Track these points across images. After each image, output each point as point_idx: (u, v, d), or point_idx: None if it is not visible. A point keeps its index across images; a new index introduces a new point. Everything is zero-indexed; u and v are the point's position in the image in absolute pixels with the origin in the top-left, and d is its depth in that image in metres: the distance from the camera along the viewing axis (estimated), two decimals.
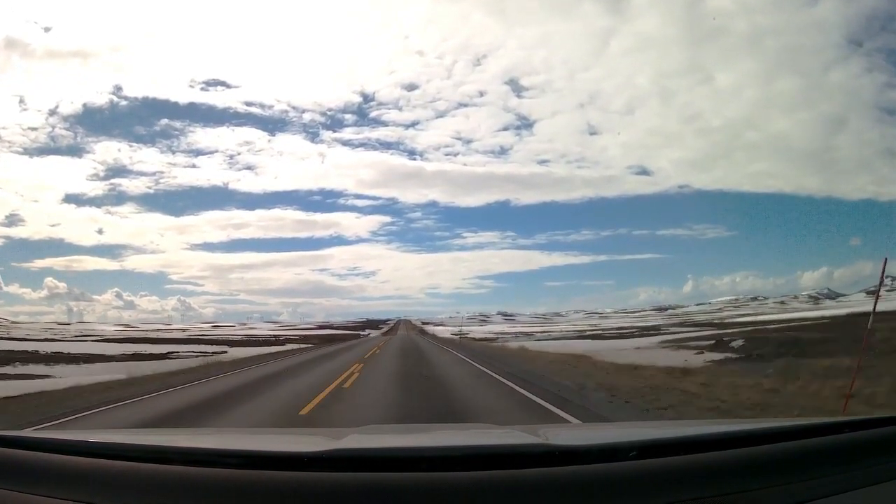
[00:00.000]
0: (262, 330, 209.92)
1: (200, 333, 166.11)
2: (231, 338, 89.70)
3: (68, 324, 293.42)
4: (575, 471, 1.23)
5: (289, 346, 40.47)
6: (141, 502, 1.19)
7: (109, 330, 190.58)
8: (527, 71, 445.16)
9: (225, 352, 43.56)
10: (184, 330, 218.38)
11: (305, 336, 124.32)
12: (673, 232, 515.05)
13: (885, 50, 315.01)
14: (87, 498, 1.19)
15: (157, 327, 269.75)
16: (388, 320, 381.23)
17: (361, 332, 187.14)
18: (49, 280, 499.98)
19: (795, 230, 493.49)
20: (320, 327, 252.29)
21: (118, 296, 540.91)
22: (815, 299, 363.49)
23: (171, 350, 45.25)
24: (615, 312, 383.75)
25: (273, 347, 45.67)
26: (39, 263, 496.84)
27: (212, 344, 57.12)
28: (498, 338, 74.29)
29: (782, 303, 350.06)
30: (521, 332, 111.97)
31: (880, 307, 7.06)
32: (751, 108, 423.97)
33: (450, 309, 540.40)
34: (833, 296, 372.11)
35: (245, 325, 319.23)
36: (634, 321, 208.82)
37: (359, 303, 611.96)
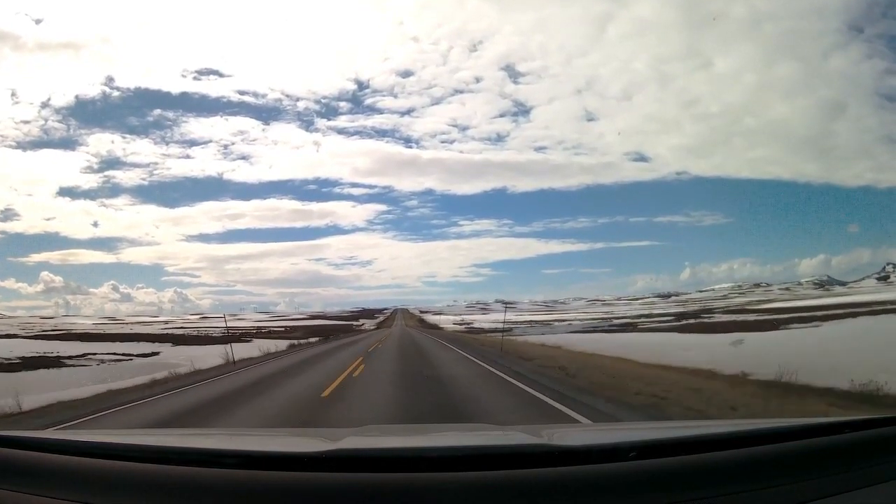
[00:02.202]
0: (249, 321, 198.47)
1: (181, 325, 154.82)
2: (189, 334, 78.14)
3: (51, 317, 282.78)
4: (575, 471, 1.22)
5: (241, 353, 28.38)
6: (141, 502, 1.17)
7: (87, 324, 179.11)
8: (523, 56, 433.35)
9: (157, 353, 32.38)
10: (167, 322, 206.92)
11: (292, 327, 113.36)
12: (670, 219, 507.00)
13: (886, 36, 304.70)
14: (87, 498, 1.18)
15: (143, 319, 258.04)
16: (385, 309, 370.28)
17: (354, 323, 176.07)
18: (45, 274, 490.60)
19: (794, 217, 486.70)
20: (312, 318, 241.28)
21: (114, 288, 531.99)
22: (821, 285, 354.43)
23: (88, 352, 33.81)
24: (617, 300, 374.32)
25: (220, 349, 34.04)
26: (35, 258, 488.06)
27: (159, 342, 45.74)
28: (513, 328, 63.14)
29: (788, 289, 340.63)
30: (533, 322, 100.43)
31: None
32: (750, 94, 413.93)
33: (447, 297, 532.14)
34: (834, 283, 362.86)
35: (235, 316, 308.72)
36: (640, 308, 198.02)
37: (356, 292, 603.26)
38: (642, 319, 78.48)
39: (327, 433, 1.90)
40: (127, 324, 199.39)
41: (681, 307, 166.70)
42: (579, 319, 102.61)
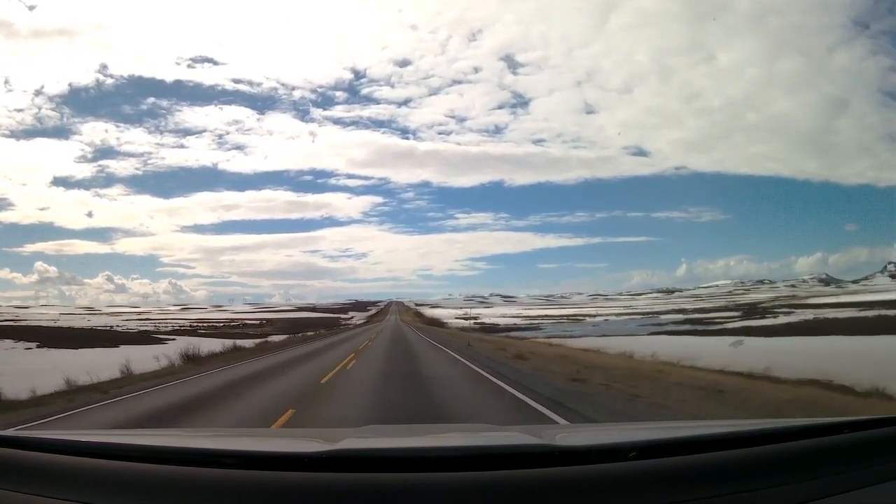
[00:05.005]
0: (230, 313, 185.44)
1: (147, 318, 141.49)
2: (117, 330, 64.39)
3: (26, 307, 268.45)
4: (575, 471, 1.22)
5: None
6: (141, 502, 1.17)
7: (53, 314, 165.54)
8: (523, 47, 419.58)
9: None
10: (140, 313, 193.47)
11: (267, 321, 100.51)
12: (668, 214, 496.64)
13: (892, 33, 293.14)
14: (87, 498, 1.18)
15: (119, 310, 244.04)
16: (379, 302, 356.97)
17: (342, 317, 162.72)
18: (39, 264, 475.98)
19: (792, 214, 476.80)
20: (299, 310, 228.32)
21: (109, 279, 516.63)
22: (826, 283, 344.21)
23: None
24: (618, 295, 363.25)
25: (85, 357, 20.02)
26: (30, 248, 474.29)
27: (41, 340, 32.36)
28: (539, 325, 49.76)
29: (793, 286, 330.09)
30: (553, 317, 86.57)
31: None
32: (752, 89, 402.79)
33: (442, 291, 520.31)
34: (836, 281, 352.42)
35: (220, 307, 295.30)
36: (653, 304, 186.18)
37: (350, 284, 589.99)
38: (695, 315, 64.73)
39: (327, 433, 1.88)
40: (101, 314, 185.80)
41: (703, 303, 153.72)
42: (613, 315, 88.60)
